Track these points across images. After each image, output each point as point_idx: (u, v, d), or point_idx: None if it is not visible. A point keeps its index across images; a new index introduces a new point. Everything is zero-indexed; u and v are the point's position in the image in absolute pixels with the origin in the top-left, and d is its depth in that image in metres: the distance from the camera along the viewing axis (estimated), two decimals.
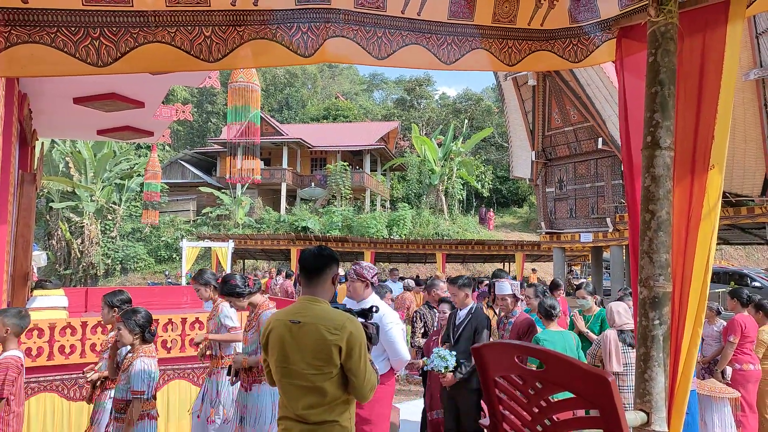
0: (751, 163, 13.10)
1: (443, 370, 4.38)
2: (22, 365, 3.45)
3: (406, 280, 11.37)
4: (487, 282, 9.09)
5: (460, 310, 4.68)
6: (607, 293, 16.82)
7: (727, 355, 5.76)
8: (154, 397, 3.63)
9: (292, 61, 2.09)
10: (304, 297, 2.49)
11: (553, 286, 7.32)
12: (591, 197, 18.42)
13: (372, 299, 4.07)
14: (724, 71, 2.00)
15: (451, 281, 4.77)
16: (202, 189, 33.72)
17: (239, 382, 3.97)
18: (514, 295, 4.76)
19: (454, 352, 4.43)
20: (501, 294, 4.80)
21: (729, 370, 5.77)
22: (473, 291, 5.94)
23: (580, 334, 5.62)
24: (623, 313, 4.71)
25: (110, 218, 31.49)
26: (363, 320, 2.58)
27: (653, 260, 1.96)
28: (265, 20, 2.03)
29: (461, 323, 4.65)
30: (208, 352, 4.54)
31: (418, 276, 20.91)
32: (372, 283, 4.11)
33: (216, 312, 4.55)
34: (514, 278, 23.74)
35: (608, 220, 17.34)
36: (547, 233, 19.83)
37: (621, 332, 4.63)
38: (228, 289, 3.97)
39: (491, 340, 5.13)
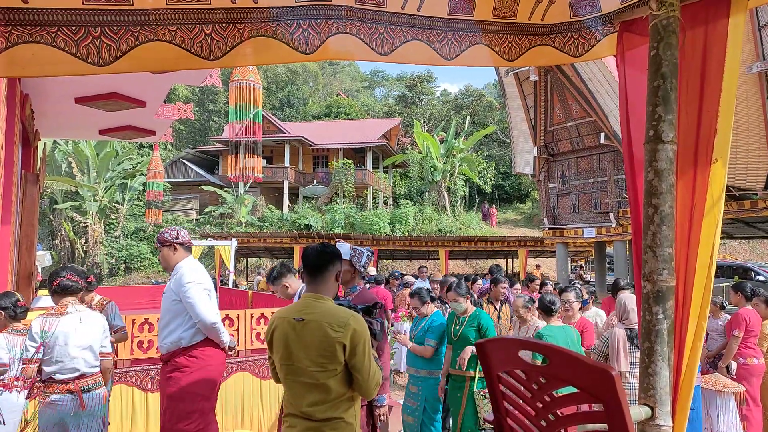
0: (754, 156, 13.05)
1: None
2: None
3: (406, 277, 11.36)
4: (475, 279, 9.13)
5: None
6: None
7: (732, 350, 5.75)
8: None
9: (294, 58, 2.09)
10: (308, 294, 2.49)
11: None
12: (594, 192, 18.38)
13: (184, 262, 3.77)
14: (726, 64, 1.99)
15: (267, 279, 4.42)
16: (205, 188, 33.76)
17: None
18: None
19: None
20: None
21: (734, 365, 5.76)
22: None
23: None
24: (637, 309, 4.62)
25: (113, 218, 31.56)
26: (367, 317, 2.58)
27: (656, 254, 1.96)
28: (266, 17, 2.03)
29: None
30: None
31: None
32: (182, 244, 3.78)
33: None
34: (516, 275, 23.73)
35: (611, 215, 17.29)
36: (550, 229, 19.80)
37: (631, 330, 4.57)
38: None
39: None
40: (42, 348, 3.40)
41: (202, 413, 3.60)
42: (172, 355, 3.70)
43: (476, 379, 4.69)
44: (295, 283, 4.33)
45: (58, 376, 3.43)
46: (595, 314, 6.38)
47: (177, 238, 3.78)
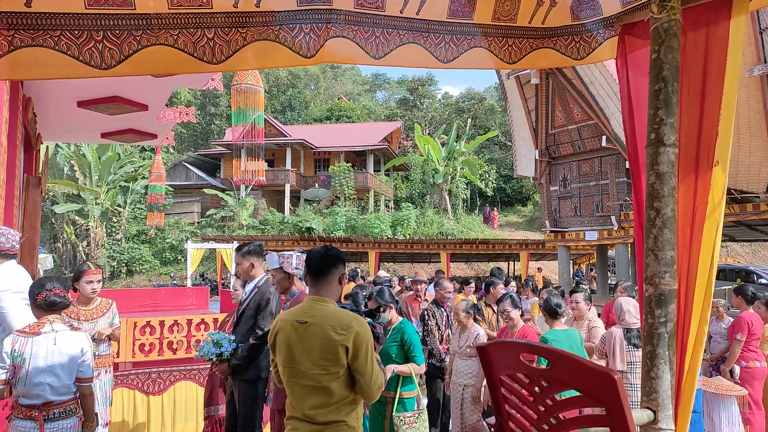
0: (755, 159, 13.02)
1: (215, 358, 3.80)
2: None
3: (406, 280, 11.36)
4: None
5: (248, 283, 4.09)
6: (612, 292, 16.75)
7: (734, 354, 5.74)
8: None
9: (294, 62, 2.10)
10: (311, 297, 2.49)
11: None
12: (595, 195, 18.35)
13: (1, 268, 3.43)
14: (727, 67, 1.99)
15: (237, 249, 4.14)
16: (207, 191, 33.82)
17: None
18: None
19: (232, 337, 3.86)
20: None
21: (737, 369, 5.75)
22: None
23: None
24: (633, 311, 4.65)
25: (115, 221, 31.60)
26: (370, 320, 2.58)
27: (658, 258, 1.95)
28: (268, 21, 2.03)
29: (246, 299, 4.01)
30: None
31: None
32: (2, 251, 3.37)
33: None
34: (518, 277, 23.70)
35: (613, 218, 17.26)
36: (551, 232, 19.76)
37: (628, 330, 4.61)
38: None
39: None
40: (12, 368, 3.13)
41: None
42: None
43: (396, 401, 4.06)
44: (260, 269, 4.07)
45: (22, 401, 3.16)
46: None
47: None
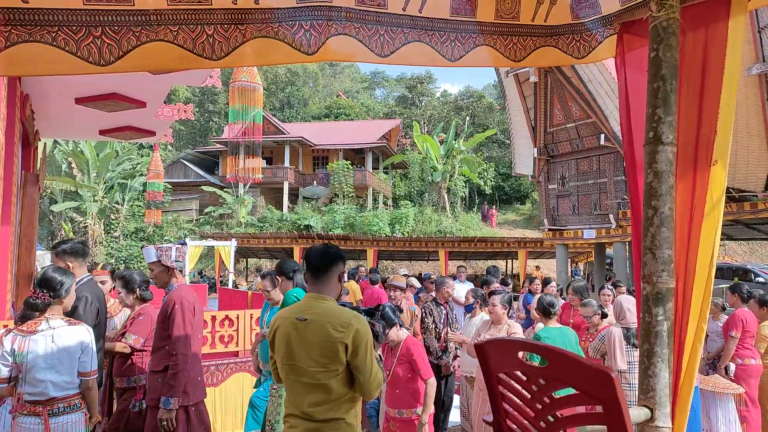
0: (754, 158, 13.03)
1: None
2: None
3: (409, 278, 11.37)
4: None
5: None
6: None
7: (729, 351, 5.75)
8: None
9: (296, 59, 2.09)
10: (311, 295, 2.49)
11: None
12: (593, 194, 18.37)
13: None
14: (726, 66, 1.99)
15: (53, 247, 3.95)
16: (205, 188, 33.78)
17: None
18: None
19: None
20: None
21: (733, 366, 5.76)
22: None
23: None
24: (633, 310, 4.65)
25: (113, 218, 31.57)
26: (369, 318, 2.59)
27: (656, 256, 1.96)
28: (267, 18, 2.03)
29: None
30: None
31: (421, 274, 20.95)
32: None
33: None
34: (516, 276, 23.72)
35: (611, 216, 17.28)
36: (549, 230, 19.79)
37: (627, 329, 4.61)
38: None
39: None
40: (15, 366, 3.14)
41: None
42: None
43: None
44: (79, 270, 3.83)
45: (26, 397, 3.17)
46: (480, 319, 5.64)
47: None
